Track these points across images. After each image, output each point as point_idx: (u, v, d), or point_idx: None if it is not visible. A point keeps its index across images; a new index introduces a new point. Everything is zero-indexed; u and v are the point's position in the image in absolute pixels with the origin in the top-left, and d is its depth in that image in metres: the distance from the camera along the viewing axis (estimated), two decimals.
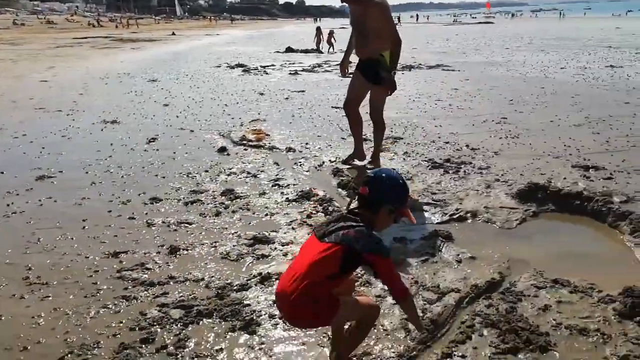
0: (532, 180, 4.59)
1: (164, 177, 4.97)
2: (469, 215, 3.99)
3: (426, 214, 4.05)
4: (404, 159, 5.47)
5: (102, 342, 2.52)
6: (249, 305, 2.80)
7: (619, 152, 5.54)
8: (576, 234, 3.84)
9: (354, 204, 2.25)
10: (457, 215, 3.98)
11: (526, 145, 5.91)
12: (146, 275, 3.14)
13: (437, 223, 3.90)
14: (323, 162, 5.38)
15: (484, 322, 2.58)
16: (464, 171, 4.98)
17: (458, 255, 3.34)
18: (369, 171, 2.30)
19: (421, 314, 2.68)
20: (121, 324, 2.66)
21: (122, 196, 4.48)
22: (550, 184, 4.45)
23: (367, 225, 2.06)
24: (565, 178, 4.66)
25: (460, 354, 2.37)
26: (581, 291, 2.85)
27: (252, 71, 13.81)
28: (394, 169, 2.40)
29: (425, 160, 5.33)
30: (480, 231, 3.77)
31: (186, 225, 3.88)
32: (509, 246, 3.50)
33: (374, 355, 2.38)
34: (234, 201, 4.32)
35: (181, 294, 2.93)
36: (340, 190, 4.60)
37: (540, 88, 9.95)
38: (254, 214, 4.08)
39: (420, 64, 14.60)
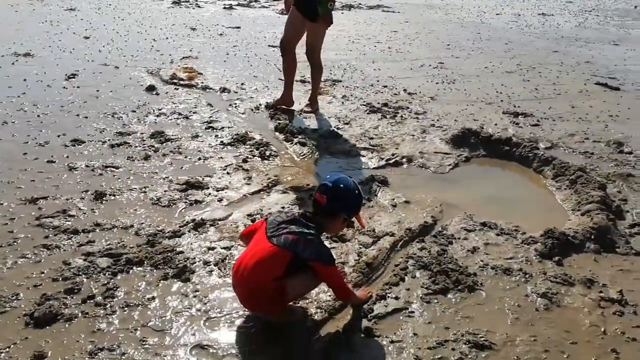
0: (465, 125, 4.69)
1: (86, 117, 4.61)
2: (404, 160, 4.04)
3: (363, 159, 4.06)
4: (342, 102, 5.40)
5: (21, 293, 2.36)
6: (182, 252, 2.71)
7: (546, 100, 5.77)
8: (504, 178, 4.01)
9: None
10: (393, 160, 4.02)
11: (461, 91, 6.01)
12: (69, 223, 2.94)
13: (374, 168, 3.92)
14: (260, 104, 5.19)
15: (417, 265, 2.66)
16: (401, 116, 5.00)
17: (393, 199, 3.39)
18: (327, 178, 2.30)
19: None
20: (42, 275, 2.49)
21: (38, 137, 4.11)
22: (482, 130, 4.57)
23: (318, 230, 2.21)
24: (496, 124, 4.81)
25: (394, 296, 2.44)
26: (507, 233, 3.00)
27: (183, 3, 12.88)
28: (350, 177, 2.37)
29: (364, 105, 5.29)
30: (415, 176, 3.84)
31: (112, 169, 3.64)
32: (442, 190, 3.59)
33: (310, 299, 2.40)
34: (165, 144, 4.10)
35: (108, 242, 2.78)
36: (277, 134, 4.48)
37: (476, 33, 10.06)
38: (186, 157, 3.90)
39: (360, 4, 14.26)
